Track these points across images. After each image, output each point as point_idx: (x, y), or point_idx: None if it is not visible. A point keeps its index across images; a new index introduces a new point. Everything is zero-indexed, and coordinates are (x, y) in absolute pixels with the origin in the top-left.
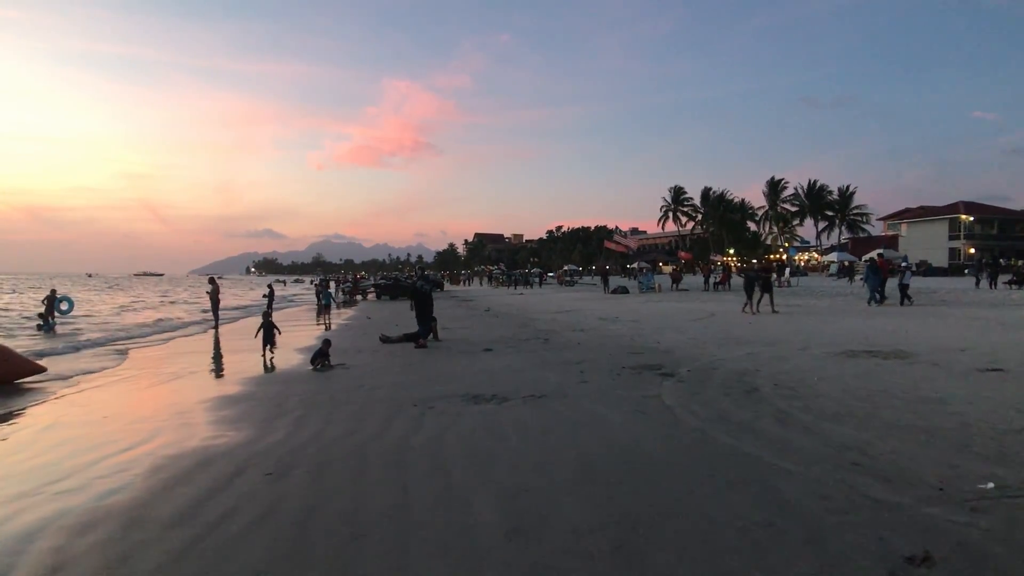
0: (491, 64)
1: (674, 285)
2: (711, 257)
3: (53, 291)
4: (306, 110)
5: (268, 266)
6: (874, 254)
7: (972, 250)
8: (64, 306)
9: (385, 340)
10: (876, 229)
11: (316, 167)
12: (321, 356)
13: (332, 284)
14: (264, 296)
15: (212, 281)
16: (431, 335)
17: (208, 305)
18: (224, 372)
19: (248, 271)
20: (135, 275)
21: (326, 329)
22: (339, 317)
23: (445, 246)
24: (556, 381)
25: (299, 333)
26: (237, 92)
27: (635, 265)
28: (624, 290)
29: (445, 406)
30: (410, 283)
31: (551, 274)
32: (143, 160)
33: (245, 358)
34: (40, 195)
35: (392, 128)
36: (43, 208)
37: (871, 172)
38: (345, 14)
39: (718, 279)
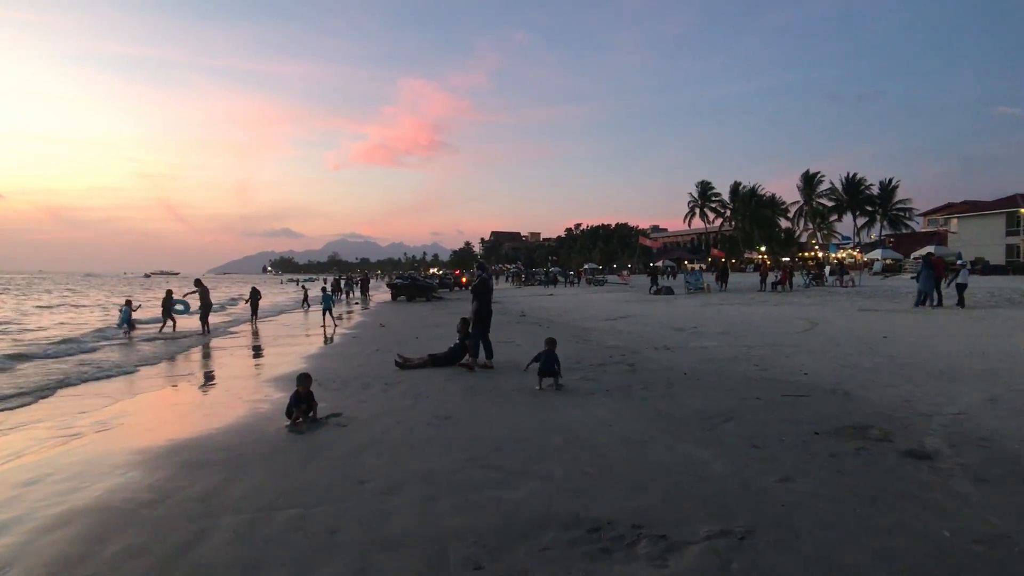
0: (507, 63)
1: (722, 284)
2: (745, 254)
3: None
4: (323, 110)
5: (284, 265)
6: (926, 251)
7: None
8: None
9: (402, 365)
10: (916, 225)
11: (333, 166)
12: (300, 407)
13: (342, 282)
14: (245, 301)
15: (199, 283)
16: (465, 356)
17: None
18: (152, 428)
19: (265, 270)
20: (149, 274)
21: (326, 342)
22: (343, 325)
23: (461, 245)
24: (729, 473)
25: (289, 350)
26: (254, 92)
27: (659, 263)
28: (669, 290)
29: (538, 569)
30: (427, 284)
31: (571, 272)
32: (161, 160)
33: (200, 397)
34: (61, 195)
35: (408, 127)
36: (64, 208)
37: (895, 167)
38: (361, 14)
39: (777, 279)
